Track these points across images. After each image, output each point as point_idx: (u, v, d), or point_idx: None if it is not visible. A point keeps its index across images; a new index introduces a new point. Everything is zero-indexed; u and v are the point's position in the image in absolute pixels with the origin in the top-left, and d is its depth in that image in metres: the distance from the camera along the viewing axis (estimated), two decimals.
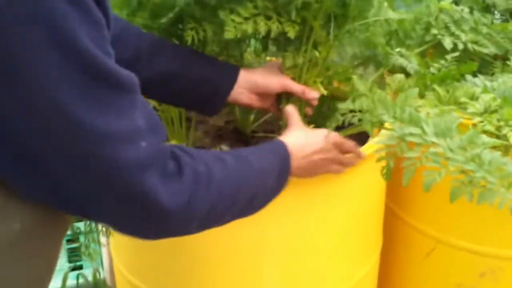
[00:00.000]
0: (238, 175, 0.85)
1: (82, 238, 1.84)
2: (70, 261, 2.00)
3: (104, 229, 1.31)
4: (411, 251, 1.58)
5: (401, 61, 1.23)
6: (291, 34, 1.05)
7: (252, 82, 1.12)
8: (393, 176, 1.38)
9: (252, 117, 1.42)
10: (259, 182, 0.89)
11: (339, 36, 1.15)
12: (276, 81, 1.13)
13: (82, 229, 1.75)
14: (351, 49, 1.32)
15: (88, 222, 1.45)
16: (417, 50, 1.30)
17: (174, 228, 0.78)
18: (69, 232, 1.39)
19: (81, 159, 0.65)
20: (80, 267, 1.98)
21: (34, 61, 0.59)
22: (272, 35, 1.05)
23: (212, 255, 1.18)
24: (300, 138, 1.01)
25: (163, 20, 1.11)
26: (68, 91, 0.61)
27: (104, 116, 0.64)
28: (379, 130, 1.29)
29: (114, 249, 1.42)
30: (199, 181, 0.77)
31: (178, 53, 1.09)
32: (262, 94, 1.14)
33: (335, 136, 1.05)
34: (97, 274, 1.86)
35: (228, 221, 0.87)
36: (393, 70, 1.35)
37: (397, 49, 1.29)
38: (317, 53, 1.13)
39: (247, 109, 1.35)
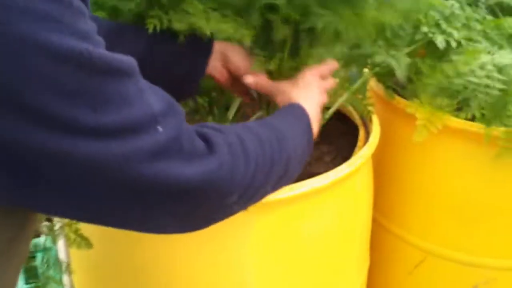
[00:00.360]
0: (269, 140, 0.82)
1: (39, 256, 1.70)
2: (27, 282, 1.83)
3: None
4: (399, 264, 1.52)
5: (389, 61, 1.12)
6: (246, 39, 0.97)
7: (225, 55, 1.06)
8: (379, 183, 1.32)
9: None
10: (290, 144, 0.86)
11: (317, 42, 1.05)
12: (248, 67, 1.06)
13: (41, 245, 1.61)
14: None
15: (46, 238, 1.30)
16: (407, 50, 1.19)
17: (219, 209, 0.75)
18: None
19: (98, 166, 0.59)
20: None
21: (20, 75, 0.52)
22: (223, 35, 0.97)
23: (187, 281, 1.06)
24: (301, 93, 0.99)
25: (131, 4, 0.99)
26: (64, 98, 0.55)
27: (110, 111, 0.58)
28: (365, 139, 1.20)
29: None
30: (234, 152, 0.73)
31: (141, 36, 1.00)
32: (233, 74, 1.07)
33: (317, 69, 1.04)
34: None
35: (266, 192, 0.86)
36: (380, 72, 1.25)
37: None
38: (291, 63, 1.05)
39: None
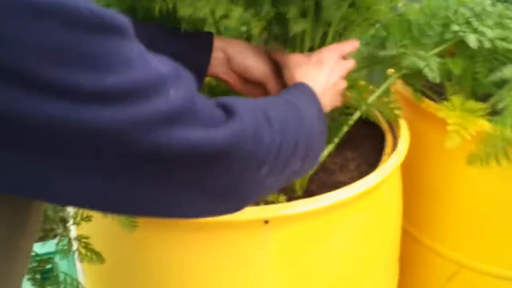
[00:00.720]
0: (290, 111, 0.77)
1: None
2: None
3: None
4: (431, 276, 1.43)
5: (417, 62, 1.04)
6: (255, 31, 0.91)
7: (227, 53, 0.98)
8: (409, 192, 1.25)
9: None
10: (308, 120, 0.80)
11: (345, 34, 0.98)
12: (259, 66, 0.98)
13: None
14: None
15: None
16: (435, 50, 1.11)
17: (251, 180, 0.68)
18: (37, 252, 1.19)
19: (107, 135, 0.51)
20: None
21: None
22: (232, 23, 0.91)
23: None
24: (309, 74, 0.92)
25: None
26: (55, 60, 0.47)
27: (113, 72, 0.51)
28: (393, 145, 1.13)
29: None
30: (257, 117, 0.68)
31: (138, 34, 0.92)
32: (241, 74, 1.00)
33: (336, 47, 0.96)
34: None
35: (296, 171, 0.78)
36: (407, 74, 1.18)
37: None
38: None
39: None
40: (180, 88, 0.57)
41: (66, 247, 1.02)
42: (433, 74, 1.04)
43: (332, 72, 0.94)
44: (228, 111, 0.65)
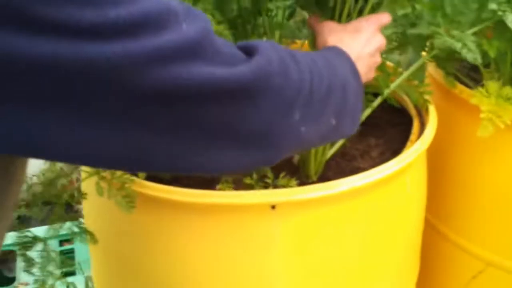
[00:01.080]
0: (319, 58, 0.70)
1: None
2: (62, 266, 1.78)
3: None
4: (454, 273, 1.37)
5: (451, 42, 0.96)
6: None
7: None
8: (435, 184, 1.18)
9: None
10: (341, 74, 0.74)
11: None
12: None
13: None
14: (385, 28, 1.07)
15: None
16: (471, 30, 1.02)
17: (281, 124, 0.61)
18: (63, 232, 1.16)
19: (112, 72, 0.46)
20: (73, 273, 1.77)
21: None
22: None
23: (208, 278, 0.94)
24: (344, 41, 0.83)
25: None
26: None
27: (120, 3, 0.46)
28: (420, 131, 1.05)
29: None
30: (282, 55, 0.62)
31: None
32: None
33: (375, 17, 0.89)
34: (89, 284, 1.64)
35: (330, 124, 0.71)
36: (440, 56, 1.09)
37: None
38: None
39: None
40: (194, 23, 0.51)
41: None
42: (473, 54, 0.95)
43: (368, 42, 0.86)
44: (250, 51, 0.59)
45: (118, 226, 0.96)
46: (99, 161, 0.53)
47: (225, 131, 0.57)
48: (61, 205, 0.98)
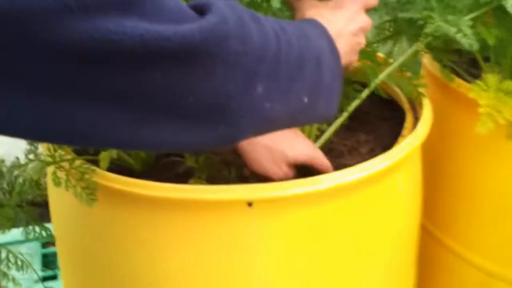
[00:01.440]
0: (289, 26, 0.62)
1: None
2: (44, 269, 1.73)
3: None
4: (454, 285, 1.29)
5: (446, 28, 0.88)
6: None
7: None
8: (431, 185, 1.09)
9: None
10: (316, 45, 0.65)
11: None
12: None
13: None
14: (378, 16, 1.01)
15: None
16: (468, 16, 0.94)
17: (241, 100, 0.53)
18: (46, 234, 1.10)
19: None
20: (55, 277, 1.70)
21: None
22: None
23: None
24: (324, 16, 0.75)
25: None
26: None
27: None
28: (413, 126, 0.97)
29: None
30: (241, 14, 0.53)
31: None
32: None
33: None
34: None
35: (302, 104, 0.62)
36: (435, 46, 1.02)
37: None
38: None
39: None
40: None
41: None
42: (468, 40, 0.87)
43: (351, 20, 0.78)
44: (202, 10, 0.50)
45: (82, 223, 0.88)
46: (30, 133, 0.47)
47: (170, 102, 0.48)
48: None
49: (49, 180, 0.91)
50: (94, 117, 0.45)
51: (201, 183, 0.82)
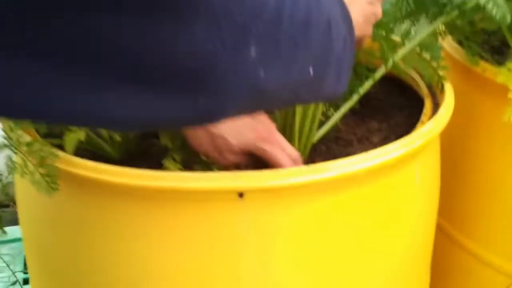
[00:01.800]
0: None
1: None
2: (26, 271, 1.64)
3: None
4: None
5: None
6: None
7: None
8: (451, 180, 1.02)
9: None
10: (327, 6, 0.55)
11: None
12: None
13: None
14: None
15: None
16: None
17: (228, 61, 0.43)
18: None
19: None
20: None
21: None
22: None
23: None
24: None
25: None
26: None
27: None
28: (432, 113, 0.89)
29: None
30: None
31: None
32: None
33: None
34: None
35: (304, 64, 0.52)
36: (458, 26, 0.93)
37: None
38: None
39: None
40: None
41: None
42: (500, 11, 0.78)
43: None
44: None
45: (47, 217, 0.79)
46: None
47: (132, 63, 0.38)
48: None
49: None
50: (36, 80, 0.36)
51: (176, 166, 0.73)
